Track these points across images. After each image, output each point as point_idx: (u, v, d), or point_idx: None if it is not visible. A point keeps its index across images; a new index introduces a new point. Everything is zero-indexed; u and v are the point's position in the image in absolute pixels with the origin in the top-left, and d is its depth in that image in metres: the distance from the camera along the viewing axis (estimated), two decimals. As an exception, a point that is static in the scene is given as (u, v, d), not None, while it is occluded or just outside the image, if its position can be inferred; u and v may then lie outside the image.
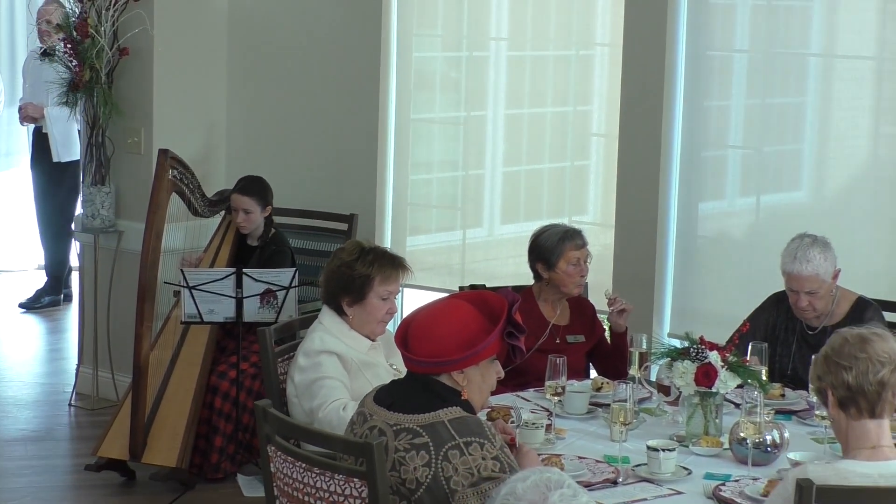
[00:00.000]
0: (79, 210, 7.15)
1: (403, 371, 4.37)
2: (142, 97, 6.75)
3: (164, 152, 5.75)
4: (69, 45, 6.62)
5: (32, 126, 8.66)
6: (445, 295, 3.89)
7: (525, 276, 5.28)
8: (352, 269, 4.38)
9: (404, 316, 6.76)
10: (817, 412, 4.10)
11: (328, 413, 4.24)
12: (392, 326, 6.41)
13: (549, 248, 5.03)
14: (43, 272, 9.10)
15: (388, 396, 3.40)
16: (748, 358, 4.40)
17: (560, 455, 3.89)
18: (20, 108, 8.56)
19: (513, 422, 4.16)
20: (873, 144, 5.77)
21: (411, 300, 6.84)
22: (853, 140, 5.80)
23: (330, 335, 4.38)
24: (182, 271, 5.71)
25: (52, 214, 8.65)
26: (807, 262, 4.71)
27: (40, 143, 8.46)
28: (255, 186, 6.17)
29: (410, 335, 3.38)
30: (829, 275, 4.75)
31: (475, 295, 3.48)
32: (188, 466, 5.73)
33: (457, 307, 3.38)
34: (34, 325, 8.68)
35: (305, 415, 4.31)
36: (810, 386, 4.08)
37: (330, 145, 6.94)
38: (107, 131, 6.73)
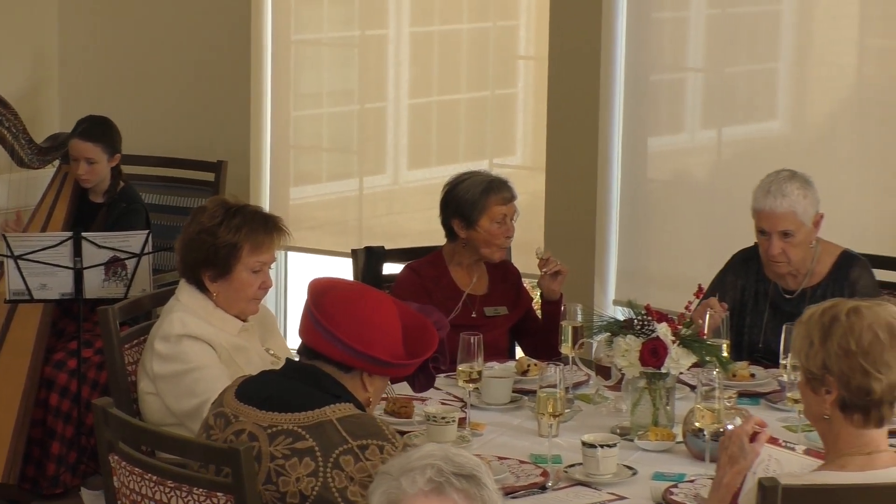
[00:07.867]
0: None
1: (283, 358, 4.40)
2: (-53, 16, 6.71)
3: (-23, 88, 5.73)
4: None
5: None
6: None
7: (437, 234, 5.30)
8: (214, 237, 4.34)
9: (285, 289, 6.84)
10: (789, 394, 4.13)
11: None
12: (272, 304, 6.43)
13: (469, 202, 5.06)
14: None
15: (260, 391, 3.41)
16: (705, 330, 4.41)
17: (477, 456, 3.91)
18: None
19: (419, 416, 4.21)
20: (858, 62, 5.81)
21: (297, 267, 6.84)
22: (836, 57, 5.84)
23: (191, 316, 4.36)
24: (4, 237, 5.67)
25: None
26: (782, 196, 4.74)
27: None
28: (99, 130, 6.13)
29: (329, 304, 3.38)
30: (809, 217, 4.79)
31: (401, 305, 3.54)
32: (17, 481, 5.72)
33: (389, 305, 3.45)
34: None
35: (175, 417, 4.30)
36: (788, 360, 4.10)
37: (191, 76, 6.91)
38: None
